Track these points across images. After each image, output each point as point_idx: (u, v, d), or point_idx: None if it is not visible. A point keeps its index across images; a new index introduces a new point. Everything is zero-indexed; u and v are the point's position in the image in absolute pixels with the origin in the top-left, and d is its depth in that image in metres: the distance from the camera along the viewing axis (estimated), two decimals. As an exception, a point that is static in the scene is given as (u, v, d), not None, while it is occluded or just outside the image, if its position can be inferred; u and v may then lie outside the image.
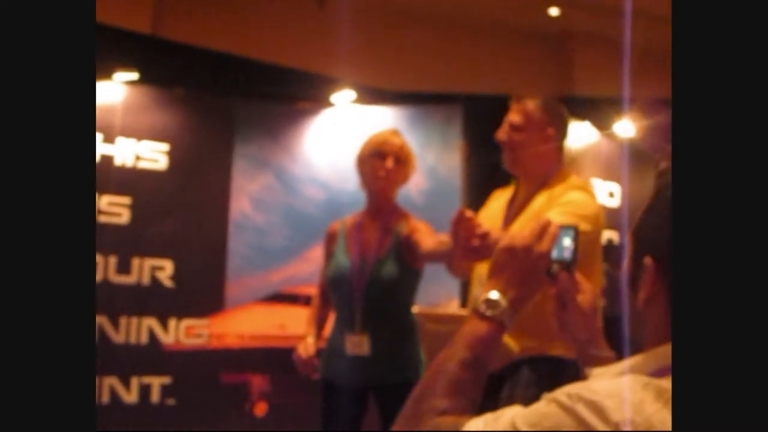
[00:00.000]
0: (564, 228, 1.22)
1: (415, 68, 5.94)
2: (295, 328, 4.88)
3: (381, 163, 2.72)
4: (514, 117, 2.42)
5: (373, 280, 2.66)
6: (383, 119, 5.11)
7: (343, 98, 5.08)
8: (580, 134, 5.56)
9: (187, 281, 4.68)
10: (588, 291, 1.33)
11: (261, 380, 4.81)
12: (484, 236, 1.98)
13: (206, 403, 4.65)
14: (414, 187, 4.65)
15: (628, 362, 1.03)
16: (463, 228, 1.98)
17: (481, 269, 2.41)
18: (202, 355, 4.70)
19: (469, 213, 2.02)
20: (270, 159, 4.98)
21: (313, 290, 4.91)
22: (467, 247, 1.98)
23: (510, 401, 2.18)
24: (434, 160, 5.01)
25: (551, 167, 2.42)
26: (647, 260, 1.03)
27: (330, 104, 5.09)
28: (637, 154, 5.89)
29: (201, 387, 4.67)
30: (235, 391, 4.76)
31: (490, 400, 1.68)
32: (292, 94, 5.03)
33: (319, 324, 2.88)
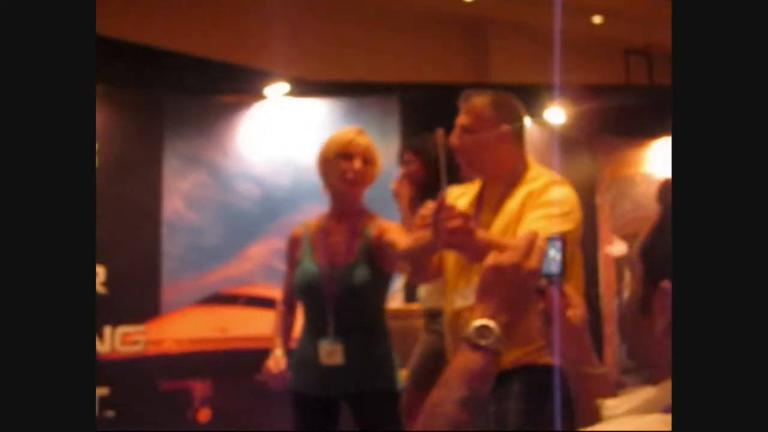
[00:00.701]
0: (550, 239, 1.17)
1: (339, 59, 5.85)
2: (236, 329, 4.75)
3: (348, 165, 2.60)
4: (463, 119, 2.30)
5: (345, 286, 2.56)
6: (318, 112, 5.00)
7: (276, 91, 4.94)
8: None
9: (120, 286, 4.46)
10: (578, 305, 1.27)
11: (203, 385, 4.66)
12: (466, 218, 1.91)
13: (147, 413, 4.46)
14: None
15: (643, 395, 0.98)
16: (444, 215, 1.90)
17: (453, 274, 2.35)
18: (140, 363, 4.51)
19: (449, 200, 1.96)
20: (202, 155, 4.81)
21: (251, 290, 4.85)
22: (450, 233, 1.90)
23: (503, 416, 2.12)
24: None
25: (515, 164, 2.32)
26: (665, 284, 0.97)
27: (262, 97, 4.94)
28: (567, 141, 5.97)
29: (140, 396, 4.48)
30: (177, 398, 4.60)
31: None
32: (223, 88, 4.86)
33: (286, 334, 2.77)
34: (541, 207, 2.15)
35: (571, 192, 2.23)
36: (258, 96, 4.94)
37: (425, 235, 2.12)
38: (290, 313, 2.81)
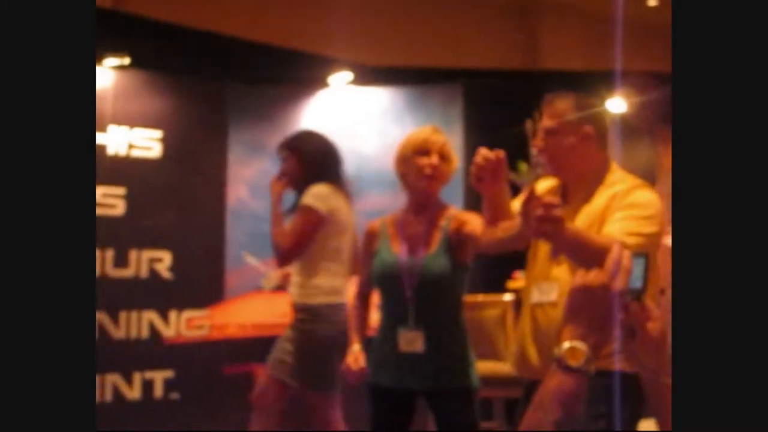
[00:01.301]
0: (635, 256, 1.18)
1: (395, 43, 5.83)
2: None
3: (426, 161, 2.65)
4: (546, 122, 2.31)
5: (425, 275, 2.59)
6: (381, 100, 5.00)
7: (340, 79, 4.95)
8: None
9: (186, 272, 4.55)
10: (658, 318, 1.27)
11: (264, 370, 4.71)
12: (555, 207, 1.91)
13: (210, 396, 4.55)
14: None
15: None
16: (534, 204, 1.91)
17: (535, 269, 2.36)
18: (204, 347, 4.60)
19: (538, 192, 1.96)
20: (265, 143, 4.84)
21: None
22: (540, 221, 1.90)
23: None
24: (435, 142, 4.92)
25: (598, 166, 2.32)
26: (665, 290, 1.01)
27: (326, 85, 4.96)
28: (628, 130, 5.89)
29: (204, 380, 4.57)
30: (239, 382, 4.66)
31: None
32: (286, 76, 4.89)
33: (362, 329, 2.82)
34: (625, 209, 2.13)
35: (655, 196, 2.21)
36: (321, 84, 4.96)
37: (512, 225, 2.15)
38: (364, 307, 2.86)
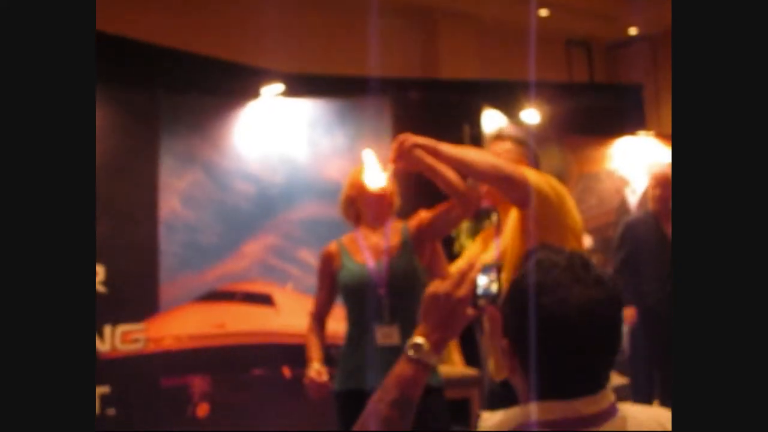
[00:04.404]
0: (487, 267, 1.39)
1: (319, 54, 5.93)
2: (234, 325, 4.81)
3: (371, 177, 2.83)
4: (494, 151, 2.65)
5: (393, 274, 2.78)
6: (312, 111, 5.08)
7: (271, 90, 5.00)
8: (491, 121, 5.78)
9: (120, 286, 4.48)
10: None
11: (202, 381, 4.71)
12: (401, 141, 2.30)
13: (147, 410, 4.51)
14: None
15: (509, 413, 1.23)
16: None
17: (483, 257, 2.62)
18: (140, 361, 4.54)
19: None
20: (198, 154, 4.84)
21: (248, 286, 4.91)
22: (397, 156, 2.28)
23: None
24: (366, 152, 5.04)
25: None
26: (503, 342, 1.24)
27: (257, 96, 4.99)
28: (539, 139, 6.19)
29: (141, 393, 4.52)
30: (176, 394, 4.64)
31: None
32: (219, 87, 4.89)
33: (321, 347, 2.90)
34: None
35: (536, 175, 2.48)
36: (253, 95, 4.98)
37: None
38: (321, 328, 2.96)
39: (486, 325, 1.56)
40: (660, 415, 1.22)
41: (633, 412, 1.20)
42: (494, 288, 1.37)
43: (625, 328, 4.94)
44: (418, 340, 1.33)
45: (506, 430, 1.19)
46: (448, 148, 2.34)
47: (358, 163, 2.86)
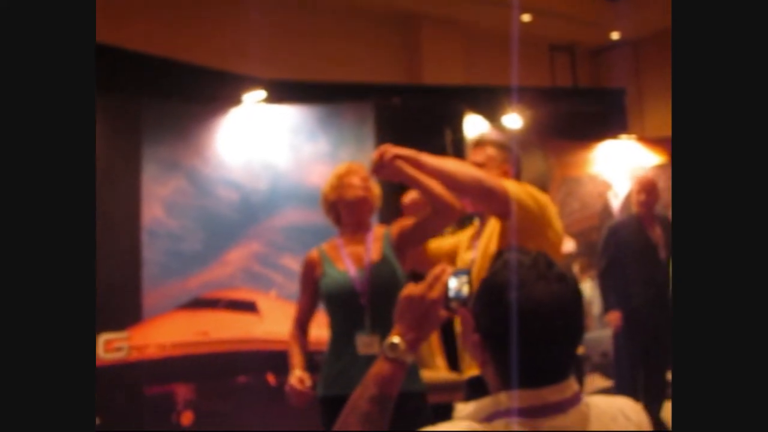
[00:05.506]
0: (459, 272, 1.45)
1: (303, 60, 5.94)
2: (217, 333, 4.80)
3: (352, 179, 2.82)
4: (476, 157, 2.67)
5: (375, 282, 2.74)
6: (295, 118, 5.08)
7: (253, 97, 5.00)
8: (473, 126, 5.80)
9: (102, 294, 4.43)
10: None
11: (185, 389, 4.70)
12: (381, 153, 2.37)
13: (131, 418, 4.49)
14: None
15: (479, 404, 1.28)
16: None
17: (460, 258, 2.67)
18: (124, 369, 4.53)
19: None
20: (180, 161, 4.83)
21: (231, 294, 4.90)
22: (378, 167, 2.37)
23: None
24: (349, 159, 5.04)
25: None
26: (475, 337, 1.29)
27: (240, 103, 4.99)
28: (523, 144, 6.21)
29: (125, 402, 4.50)
30: (160, 402, 4.63)
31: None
32: (201, 93, 4.89)
33: (303, 355, 2.88)
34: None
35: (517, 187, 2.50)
36: (235, 102, 4.98)
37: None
38: (303, 335, 2.93)
39: (457, 326, 1.62)
40: (623, 404, 1.30)
41: (596, 401, 1.28)
42: (465, 290, 1.42)
43: (610, 332, 4.96)
44: (395, 339, 1.39)
45: (479, 418, 1.24)
46: (429, 159, 2.36)
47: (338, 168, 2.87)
